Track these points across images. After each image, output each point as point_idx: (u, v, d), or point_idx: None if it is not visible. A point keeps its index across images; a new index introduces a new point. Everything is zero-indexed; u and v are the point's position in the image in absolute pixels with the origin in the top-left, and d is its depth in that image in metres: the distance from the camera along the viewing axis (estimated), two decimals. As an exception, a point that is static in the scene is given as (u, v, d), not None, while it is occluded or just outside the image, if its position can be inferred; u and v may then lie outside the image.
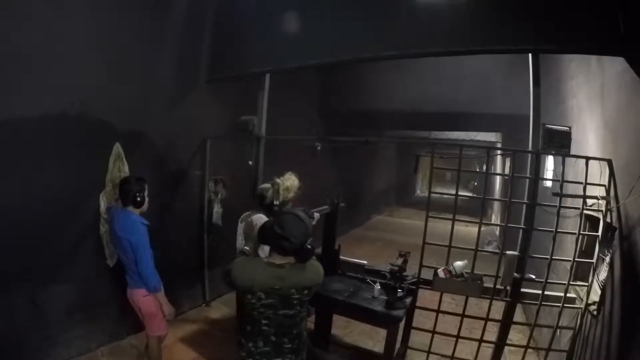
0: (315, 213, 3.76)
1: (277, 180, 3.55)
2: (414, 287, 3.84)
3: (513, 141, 8.15)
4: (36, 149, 3.60)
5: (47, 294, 3.85)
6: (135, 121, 4.47)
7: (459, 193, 3.82)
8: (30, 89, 3.48)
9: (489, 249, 8.06)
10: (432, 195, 3.84)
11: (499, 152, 9.28)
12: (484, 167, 4.30)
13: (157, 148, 4.82)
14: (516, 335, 4.16)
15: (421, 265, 3.85)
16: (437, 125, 10.30)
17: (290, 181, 3.51)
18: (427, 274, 3.86)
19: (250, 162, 5.11)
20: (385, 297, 3.67)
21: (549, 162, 5.13)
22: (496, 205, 12.56)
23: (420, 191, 26.58)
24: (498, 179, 12.78)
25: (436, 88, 7.86)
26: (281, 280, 2.31)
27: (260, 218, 3.28)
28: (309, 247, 2.38)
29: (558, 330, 3.61)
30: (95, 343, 4.24)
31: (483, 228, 3.89)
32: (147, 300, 3.53)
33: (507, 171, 10.10)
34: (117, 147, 4.15)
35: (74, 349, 4.12)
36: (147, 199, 3.59)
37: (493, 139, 11.34)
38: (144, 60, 4.49)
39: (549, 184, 4.74)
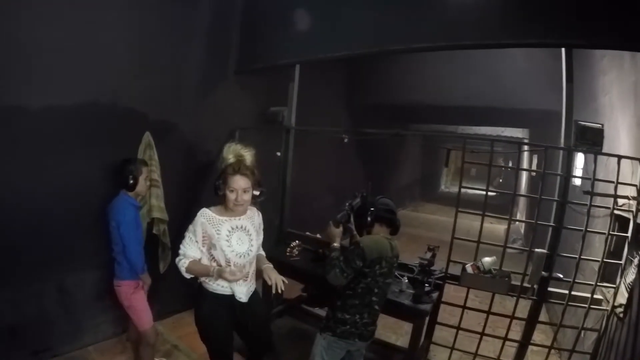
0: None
1: None
2: (440, 282, 3.81)
3: (540, 137, 8.03)
4: (67, 138, 3.68)
5: (75, 281, 3.94)
6: (165, 111, 4.52)
7: (484, 189, 3.78)
8: (63, 79, 3.56)
9: (515, 247, 7.97)
10: (454, 191, 3.82)
11: (526, 147, 9.15)
12: (510, 163, 4.23)
13: (187, 138, 4.87)
14: (538, 336, 4.12)
15: (449, 260, 3.83)
16: (464, 120, 10.22)
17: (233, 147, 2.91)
18: (453, 270, 3.84)
19: (278, 153, 5.10)
20: (412, 291, 3.63)
21: (579, 159, 5.05)
22: (522, 203, 12.39)
23: (445, 186, 26.35)
24: (525, 176, 12.61)
25: (464, 82, 7.74)
26: (392, 249, 2.98)
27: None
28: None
29: (582, 332, 3.56)
30: (120, 328, 4.32)
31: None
32: (120, 291, 3.49)
33: (534, 168, 9.96)
34: (148, 136, 4.18)
35: (100, 334, 4.22)
36: (142, 182, 3.56)
37: (520, 135, 11.21)
38: (174, 51, 4.53)
39: (578, 182, 4.66)
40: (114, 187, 3.54)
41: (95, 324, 4.16)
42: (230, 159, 2.79)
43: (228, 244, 2.77)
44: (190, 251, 2.77)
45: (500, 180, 25.74)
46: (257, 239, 3.01)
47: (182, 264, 2.77)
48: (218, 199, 2.86)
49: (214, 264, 2.79)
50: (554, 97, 3.90)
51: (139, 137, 4.14)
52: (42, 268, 3.67)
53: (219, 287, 2.83)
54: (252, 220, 2.98)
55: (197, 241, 2.77)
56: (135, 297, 3.49)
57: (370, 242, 2.89)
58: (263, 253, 3.15)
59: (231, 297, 2.84)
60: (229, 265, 2.76)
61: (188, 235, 2.79)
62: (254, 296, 3.00)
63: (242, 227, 2.88)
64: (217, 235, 2.75)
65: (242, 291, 2.88)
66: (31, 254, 3.56)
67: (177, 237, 4.29)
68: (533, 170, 9.36)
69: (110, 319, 4.24)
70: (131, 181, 3.44)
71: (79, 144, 3.75)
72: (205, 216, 2.78)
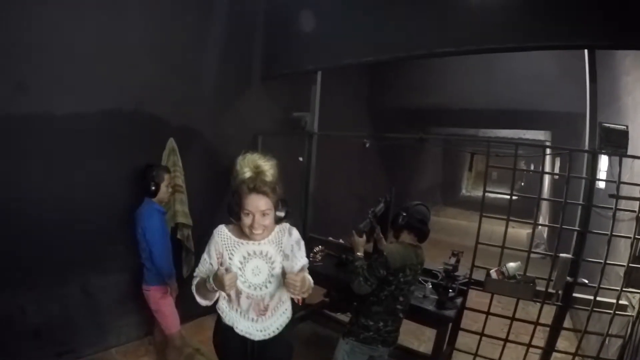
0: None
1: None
2: (464, 288, 3.78)
3: (562, 139, 7.92)
4: (93, 144, 3.76)
5: (100, 284, 4.00)
6: (188, 117, 4.59)
7: (508, 193, 3.74)
8: (88, 86, 3.65)
9: (539, 251, 7.87)
10: (479, 195, 3.78)
11: (548, 150, 9.05)
12: (532, 167, 4.17)
13: (210, 143, 4.93)
14: (561, 343, 4.04)
15: (473, 266, 3.79)
16: (484, 123, 10.13)
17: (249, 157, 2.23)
18: (476, 275, 3.80)
19: (300, 159, 5.12)
20: (435, 297, 3.63)
21: (602, 162, 4.97)
22: (544, 207, 12.22)
23: (466, 190, 26.09)
24: (547, 179, 12.45)
25: (484, 84, 7.66)
26: (417, 257, 2.98)
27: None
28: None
29: (607, 339, 3.48)
30: (144, 331, 4.37)
31: (530, 230, 3.83)
32: (149, 295, 3.53)
33: (556, 171, 9.82)
34: (171, 142, 4.25)
35: (123, 336, 4.28)
36: (164, 189, 3.58)
37: (542, 137, 11.08)
38: (197, 58, 4.61)
39: (601, 185, 4.59)
40: (139, 192, 3.60)
41: (118, 326, 4.21)
42: (246, 172, 2.17)
43: (240, 272, 2.27)
44: (203, 273, 2.31)
45: (522, 184, 25.40)
46: (289, 263, 2.34)
47: (193, 283, 2.35)
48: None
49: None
50: (576, 98, 3.84)
51: (163, 143, 4.21)
52: (67, 270, 3.75)
53: (225, 318, 2.36)
54: (279, 244, 2.35)
55: (211, 263, 2.30)
56: (163, 302, 3.53)
57: (394, 251, 2.91)
58: (307, 277, 2.32)
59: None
60: (240, 295, 2.30)
61: (203, 255, 2.35)
62: (274, 341, 2.38)
63: (261, 253, 2.31)
64: (229, 260, 2.28)
65: (247, 326, 2.34)
66: (57, 257, 3.63)
67: (201, 242, 4.35)
68: (557, 174, 9.23)
69: (133, 321, 4.29)
70: (153, 187, 3.49)
71: (105, 150, 3.82)
72: (221, 235, 2.32)
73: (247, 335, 2.33)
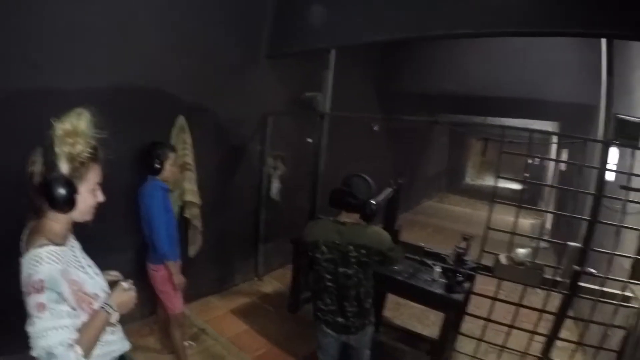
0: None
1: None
2: (472, 273, 3.78)
3: (569, 131, 7.89)
4: (101, 120, 3.71)
5: (103, 261, 3.98)
6: (197, 95, 4.54)
7: (521, 180, 3.73)
8: (96, 62, 3.59)
9: (549, 239, 7.90)
10: (479, 183, 3.77)
11: (555, 139, 9.02)
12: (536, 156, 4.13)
13: (219, 122, 4.91)
14: (563, 333, 4.07)
15: (482, 251, 3.77)
16: (492, 111, 10.08)
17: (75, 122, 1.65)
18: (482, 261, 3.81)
19: (309, 140, 5.08)
20: (444, 281, 3.64)
21: (612, 154, 4.95)
22: (547, 196, 12.21)
23: (470, 179, 25.95)
24: (551, 170, 12.41)
25: (493, 73, 7.62)
26: (340, 236, 2.67)
27: None
28: (372, 205, 2.68)
29: (609, 329, 3.50)
30: (148, 310, 4.40)
31: (533, 221, 3.83)
32: (156, 276, 3.48)
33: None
34: (181, 120, 4.20)
35: (128, 316, 4.21)
36: (168, 167, 3.46)
37: (549, 128, 11.03)
38: (206, 34, 4.54)
39: (610, 177, 4.57)
40: (142, 170, 3.53)
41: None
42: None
43: (89, 277, 1.77)
44: (68, 331, 1.50)
45: (527, 175, 25.26)
46: None
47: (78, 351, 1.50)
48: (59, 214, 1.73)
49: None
50: (585, 89, 3.80)
51: (172, 120, 4.19)
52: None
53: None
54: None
55: (68, 305, 1.55)
56: (170, 282, 3.49)
57: (311, 225, 2.94)
58: None
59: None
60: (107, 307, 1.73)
61: (50, 311, 1.49)
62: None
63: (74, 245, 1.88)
64: (84, 276, 1.73)
65: (125, 344, 1.94)
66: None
67: (208, 220, 4.33)
68: (570, 162, 9.18)
69: (138, 301, 4.29)
70: (157, 166, 3.40)
71: (112, 126, 3.78)
72: (55, 257, 1.57)
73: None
